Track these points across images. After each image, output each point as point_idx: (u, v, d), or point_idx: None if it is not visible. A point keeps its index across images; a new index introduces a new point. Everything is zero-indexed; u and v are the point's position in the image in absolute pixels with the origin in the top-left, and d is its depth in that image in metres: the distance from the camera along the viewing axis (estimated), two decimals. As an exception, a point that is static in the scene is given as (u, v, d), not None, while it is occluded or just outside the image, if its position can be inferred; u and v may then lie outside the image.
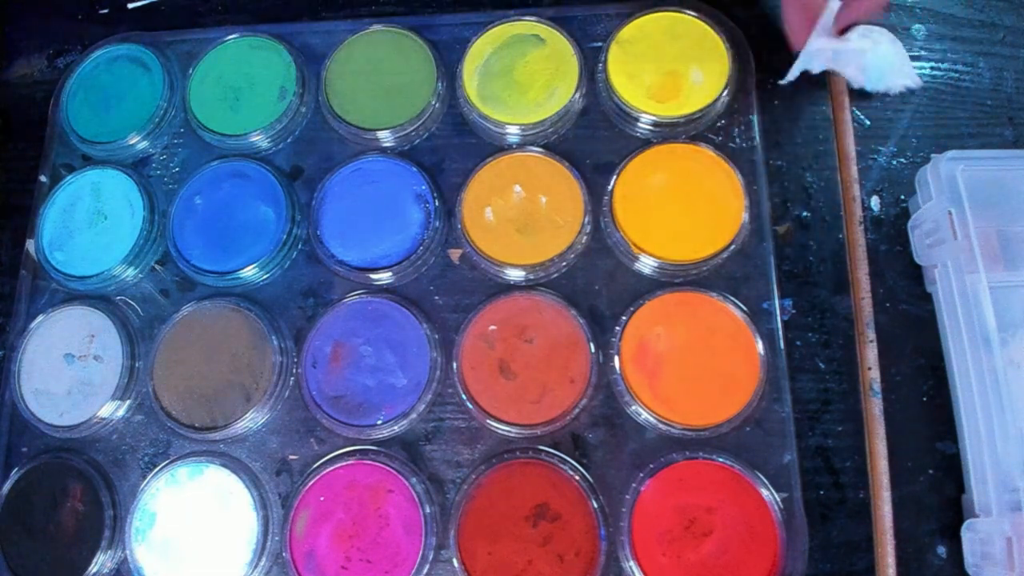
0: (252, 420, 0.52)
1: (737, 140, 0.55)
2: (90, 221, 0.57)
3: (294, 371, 0.53)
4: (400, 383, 0.52)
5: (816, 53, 0.55)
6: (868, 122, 0.58)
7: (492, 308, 0.53)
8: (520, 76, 0.57)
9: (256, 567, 0.49)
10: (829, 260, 0.54)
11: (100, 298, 0.56)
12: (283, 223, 0.55)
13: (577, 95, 0.56)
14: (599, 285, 0.53)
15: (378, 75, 0.58)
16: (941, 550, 0.49)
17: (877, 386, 0.51)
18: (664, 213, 0.53)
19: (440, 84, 0.57)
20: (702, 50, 0.56)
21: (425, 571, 0.48)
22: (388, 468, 0.50)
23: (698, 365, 0.50)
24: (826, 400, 0.52)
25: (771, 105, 0.58)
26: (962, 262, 0.48)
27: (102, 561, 0.51)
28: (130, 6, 0.66)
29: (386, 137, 0.57)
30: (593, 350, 0.51)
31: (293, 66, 0.59)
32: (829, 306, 0.54)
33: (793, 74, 0.56)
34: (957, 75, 0.59)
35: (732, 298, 0.51)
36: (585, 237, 0.53)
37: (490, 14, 0.60)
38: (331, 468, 0.51)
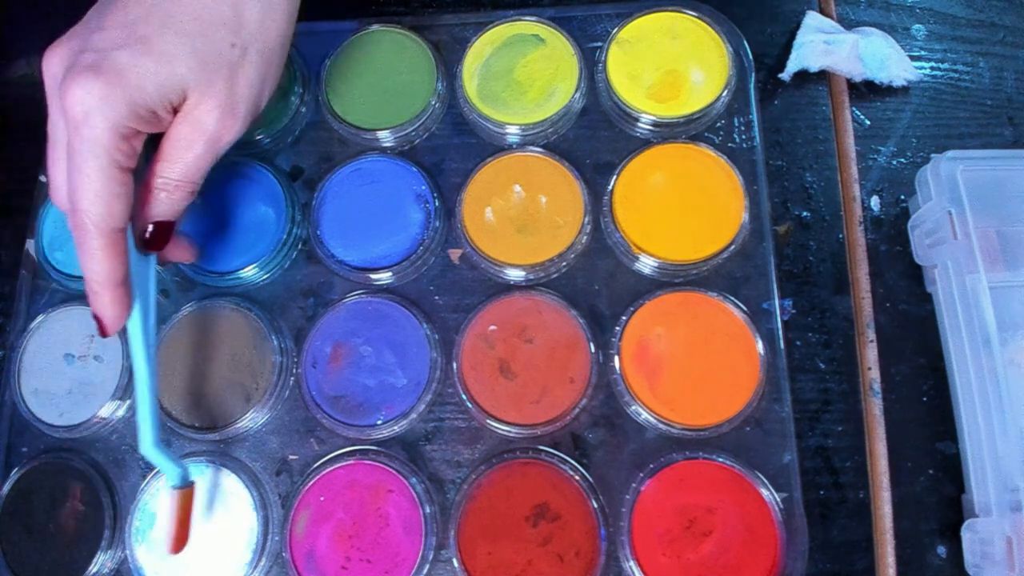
0: (252, 420, 0.52)
1: (737, 140, 0.55)
2: (90, 221, 0.57)
3: (294, 371, 0.53)
4: (400, 383, 0.52)
5: (808, 45, 0.55)
6: (868, 122, 0.58)
7: (492, 308, 0.52)
8: (520, 76, 0.57)
9: (256, 567, 0.49)
10: (829, 260, 0.54)
11: (100, 298, 0.56)
12: (283, 223, 0.55)
13: (577, 95, 0.56)
14: (599, 285, 0.53)
15: (378, 75, 0.58)
16: (941, 550, 0.49)
17: (877, 386, 0.51)
18: (664, 213, 0.53)
19: (440, 84, 0.57)
20: (702, 50, 0.56)
21: (425, 571, 0.48)
22: (388, 468, 0.50)
23: (698, 365, 0.50)
24: (826, 400, 0.52)
25: (771, 105, 0.58)
26: (962, 262, 0.48)
27: (102, 561, 0.51)
28: (130, 6, 0.66)
29: (386, 137, 0.57)
30: (593, 350, 0.51)
31: (293, 66, 0.59)
32: (829, 306, 0.54)
33: (790, 71, 0.56)
34: (957, 75, 0.59)
35: (732, 298, 0.51)
36: (585, 237, 0.53)
37: (490, 14, 0.60)
38: (331, 468, 0.51)
